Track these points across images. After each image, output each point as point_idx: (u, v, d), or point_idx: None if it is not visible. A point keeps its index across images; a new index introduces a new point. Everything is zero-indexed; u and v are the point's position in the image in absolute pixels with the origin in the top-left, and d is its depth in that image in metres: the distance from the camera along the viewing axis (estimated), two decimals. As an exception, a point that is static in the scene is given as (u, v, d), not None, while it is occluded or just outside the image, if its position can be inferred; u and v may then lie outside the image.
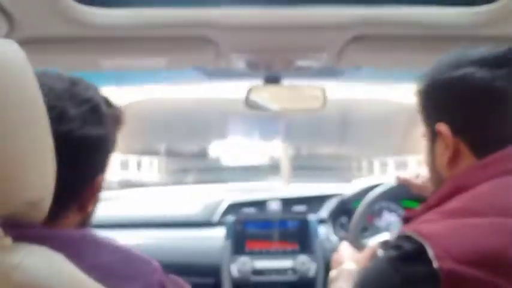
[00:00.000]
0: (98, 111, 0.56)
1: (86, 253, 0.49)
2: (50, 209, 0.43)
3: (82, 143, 0.53)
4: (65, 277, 0.40)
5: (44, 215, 0.42)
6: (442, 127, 0.63)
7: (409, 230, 0.54)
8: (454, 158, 0.63)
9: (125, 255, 0.54)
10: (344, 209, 1.49)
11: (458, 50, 0.64)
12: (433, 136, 0.66)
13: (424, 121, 0.69)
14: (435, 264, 0.47)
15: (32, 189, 0.39)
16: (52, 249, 0.42)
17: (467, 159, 0.62)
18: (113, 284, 0.43)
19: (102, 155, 0.59)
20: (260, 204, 1.53)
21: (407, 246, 0.52)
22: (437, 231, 0.51)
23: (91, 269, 0.44)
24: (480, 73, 0.59)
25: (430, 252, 0.48)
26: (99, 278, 0.43)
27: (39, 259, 0.40)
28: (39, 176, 0.40)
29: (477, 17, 0.82)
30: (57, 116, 0.48)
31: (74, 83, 0.56)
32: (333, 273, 0.97)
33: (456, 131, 0.62)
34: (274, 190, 1.65)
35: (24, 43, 0.85)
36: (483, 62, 0.60)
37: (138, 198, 1.65)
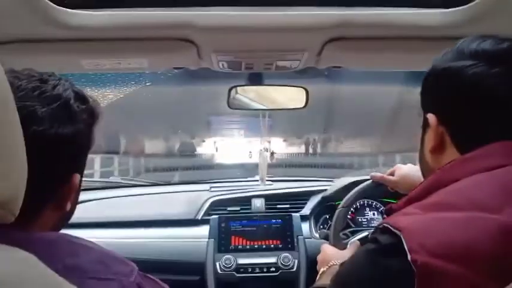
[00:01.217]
0: (69, 108, 0.56)
1: (60, 255, 0.49)
2: (25, 208, 0.42)
3: (53, 142, 0.53)
4: (34, 277, 0.39)
5: (15, 215, 0.41)
6: (431, 116, 0.64)
7: (387, 222, 0.54)
8: (438, 149, 0.64)
9: (101, 256, 0.54)
10: (326, 206, 1.52)
11: (469, 38, 0.63)
12: (425, 125, 0.67)
13: (421, 109, 0.69)
14: (409, 257, 0.47)
15: (1, 188, 0.38)
16: (25, 250, 0.41)
17: (450, 153, 0.62)
18: (89, 285, 0.43)
19: (77, 152, 0.59)
20: (244, 202, 1.55)
21: (383, 238, 0.53)
22: (414, 225, 0.51)
23: (66, 270, 0.43)
24: (476, 68, 0.59)
25: (405, 245, 0.48)
26: (74, 279, 0.42)
27: (7, 258, 0.39)
28: (9, 176, 0.39)
29: (452, 18, 0.84)
30: (26, 116, 0.47)
31: (43, 80, 0.55)
32: (320, 272, 1.00)
33: (443, 122, 0.63)
34: (257, 188, 1.66)
35: (3, 43, 0.85)
36: (482, 57, 0.59)
37: (121, 198, 1.64)
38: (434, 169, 0.64)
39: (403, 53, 1.00)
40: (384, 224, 0.54)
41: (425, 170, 0.70)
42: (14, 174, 0.40)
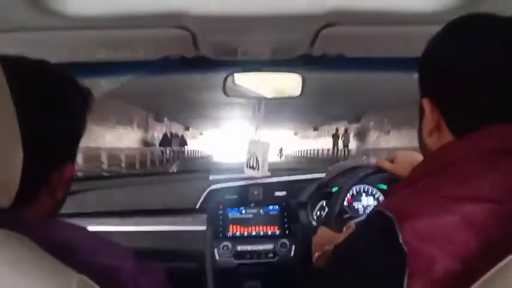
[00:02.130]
0: (62, 97, 0.57)
1: (55, 237, 0.50)
2: (20, 194, 0.44)
3: (46, 130, 0.54)
4: (29, 258, 0.40)
5: (11, 200, 0.43)
6: (425, 101, 0.63)
7: (381, 205, 0.55)
8: (434, 133, 0.63)
9: (96, 239, 0.55)
10: (323, 193, 1.53)
11: (460, 18, 0.61)
12: (421, 110, 0.66)
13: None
14: (401, 239, 0.48)
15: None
16: (19, 233, 0.42)
17: (446, 136, 0.61)
18: (84, 266, 0.43)
19: (69, 140, 0.60)
20: (242, 190, 1.56)
21: (376, 221, 0.54)
22: (406, 207, 0.52)
23: (62, 252, 0.44)
24: (476, 48, 0.56)
25: (397, 227, 0.49)
26: (69, 261, 0.43)
27: (1, 240, 0.40)
28: (5, 162, 0.40)
29: (442, 3, 0.84)
30: (20, 105, 0.47)
31: (35, 70, 0.56)
32: (315, 255, 1.01)
33: (436, 105, 0.62)
34: (255, 177, 1.67)
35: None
36: (486, 36, 0.57)
37: (120, 187, 1.65)
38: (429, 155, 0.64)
39: (399, 39, 1.00)
40: (379, 208, 0.54)
41: (424, 155, 0.69)
42: (10, 160, 0.41)
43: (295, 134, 29.03)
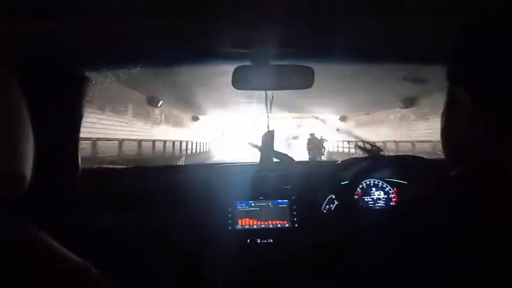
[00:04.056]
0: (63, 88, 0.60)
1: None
2: (32, 182, 0.44)
3: (52, 119, 0.57)
4: (42, 249, 0.41)
5: (24, 188, 0.43)
6: (459, 87, 0.52)
7: None
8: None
9: None
10: (332, 186, 1.52)
11: None
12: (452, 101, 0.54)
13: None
14: None
15: (12, 163, 0.40)
16: (32, 223, 0.43)
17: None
18: None
19: (71, 127, 0.64)
20: (251, 183, 1.55)
21: None
22: None
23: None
24: None
25: None
26: None
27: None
28: (18, 153, 0.41)
29: None
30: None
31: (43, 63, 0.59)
32: None
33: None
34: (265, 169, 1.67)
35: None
36: None
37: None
38: None
39: (406, 31, 0.99)
40: None
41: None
42: (22, 151, 0.41)
43: (342, 118, 21.60)
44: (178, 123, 17.47)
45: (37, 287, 0.37)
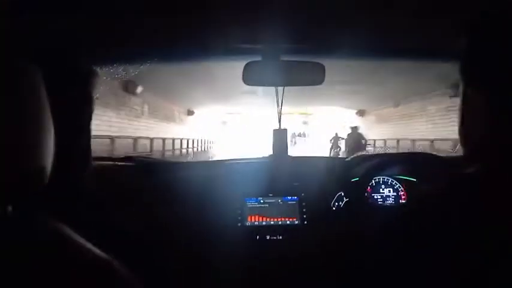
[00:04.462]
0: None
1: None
2: (53, 176, 0.45)
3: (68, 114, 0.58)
4: (67, 242, 0.41)
5: (46, 182, 0.44)
6: (473, 85, 0.51)
7: None
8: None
9: None
10: (341, 183, 1.51)
11: None
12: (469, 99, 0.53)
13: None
14: None
15: (35, 158, 0.41)
16: (55, 218, 0.44)
17: None
18: None
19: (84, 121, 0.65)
20: (260, 180, 1.55)
21: None
22: None
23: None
24: None
25: None
26: None
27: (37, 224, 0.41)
28: (41, 148, 0.42)
29: None
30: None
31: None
32: None
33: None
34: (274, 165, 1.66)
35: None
36: None
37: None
38: None
39: (415, 30, 0.98)
40: None
41: None
42: (45, 147, 0.42)
43: (359, 113, 16.93)
44: (168, 118, 14.40)
45: (60, 279, 0.37)
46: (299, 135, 27.05)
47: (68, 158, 0.56)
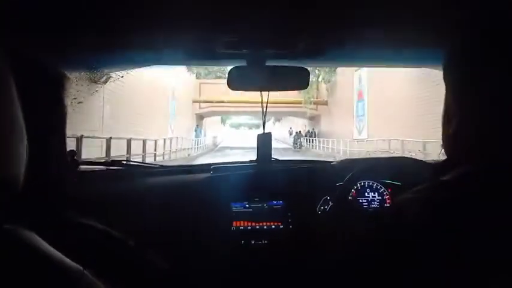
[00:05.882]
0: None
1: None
2: (25, 184, 0.43)
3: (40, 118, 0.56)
4: (35, 253, 0.40)
5: (18, 191, 0.42)
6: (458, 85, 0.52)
7: None
8: None
9: None
10: (327, 187, 1.52)
11: None
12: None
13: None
14: None
15: (6, 166, 0.39)
16: (26, 228, 0.42)
17: None
18: None
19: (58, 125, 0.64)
20: (245, 184, 1.55)
21: None
22: None
23: None
24: None
25: None
26: None
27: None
28: (14, 156, 0.40)
29: None
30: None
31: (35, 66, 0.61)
32: None
33: None
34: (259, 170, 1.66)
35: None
36: None
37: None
38: None
39: (403, 33, 0.99)
40: None
41: None
42: (15, 152, 0.40)
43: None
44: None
45: None
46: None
47: (43, 164, 0.55)
